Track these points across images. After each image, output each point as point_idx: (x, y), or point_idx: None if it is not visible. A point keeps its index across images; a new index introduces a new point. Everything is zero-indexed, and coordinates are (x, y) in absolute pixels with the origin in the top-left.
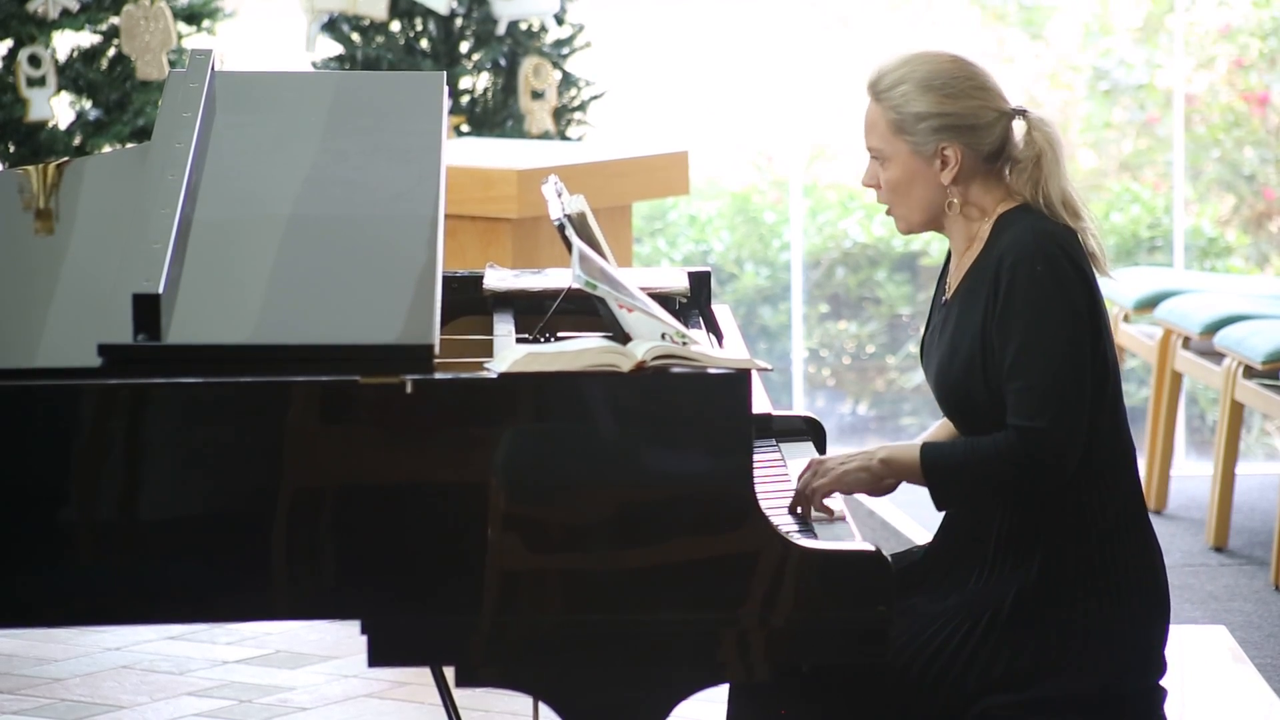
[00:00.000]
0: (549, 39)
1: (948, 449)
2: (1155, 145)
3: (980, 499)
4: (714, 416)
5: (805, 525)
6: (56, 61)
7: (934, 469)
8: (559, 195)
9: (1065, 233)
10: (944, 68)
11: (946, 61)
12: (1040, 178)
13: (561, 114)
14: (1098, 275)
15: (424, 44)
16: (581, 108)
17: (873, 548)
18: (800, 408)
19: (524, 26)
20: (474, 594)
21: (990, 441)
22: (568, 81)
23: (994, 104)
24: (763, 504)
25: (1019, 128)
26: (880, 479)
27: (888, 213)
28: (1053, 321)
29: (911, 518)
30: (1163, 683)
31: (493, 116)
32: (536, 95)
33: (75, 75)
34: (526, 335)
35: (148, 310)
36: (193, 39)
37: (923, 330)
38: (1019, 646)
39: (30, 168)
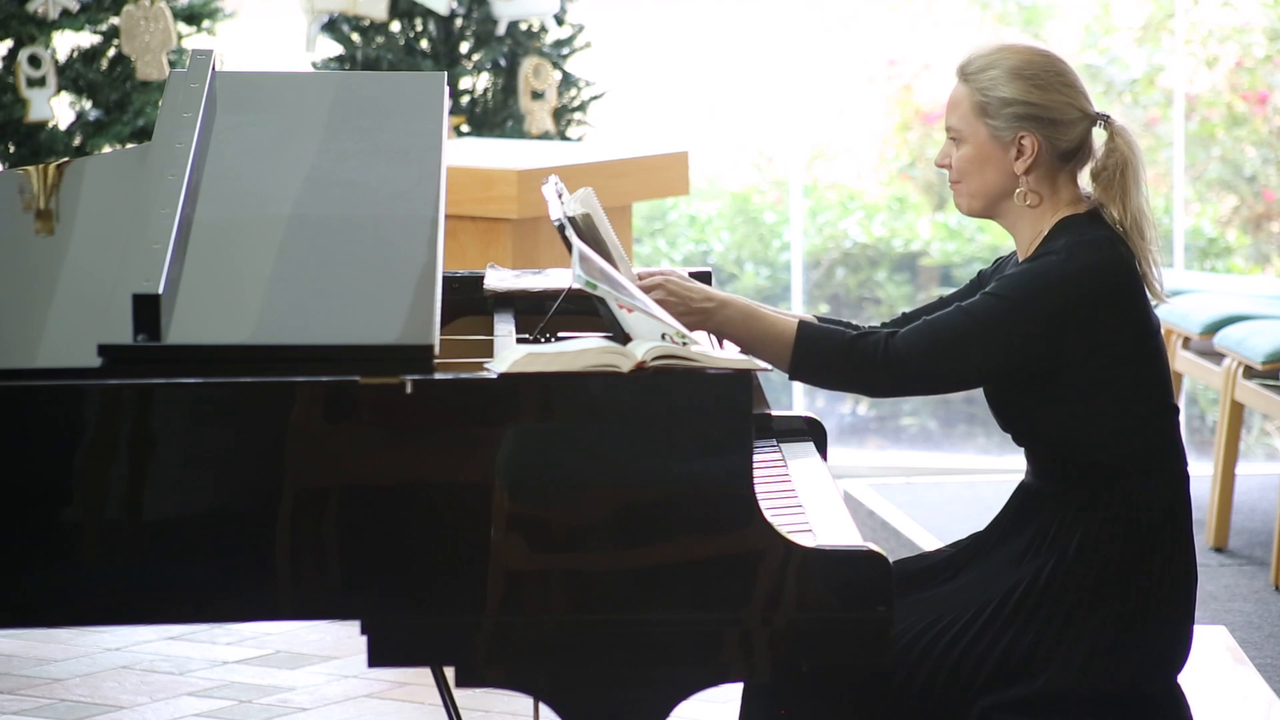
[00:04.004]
0: (549, 39)
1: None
2: (1155, 145)
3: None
4: (714, 416)
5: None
6: (56, 61)
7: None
8: (559, 196)
9: (1117, 261)
10: (1034, 59)
11: (1038, 54)
12: (1126, 188)
13: (561, 114)
14: (1152, 299)
15: (424, 44)
16: (581, 108)
17: (873, 548)
18: (800, 408)
19: (524, 27)
20: (474, 594)
21: (842, 330)
22: (568, 82)
23: (1078, 103)
24: (763, 504)
25: (1099, 135)
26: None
27: (953, 185)
28: (1005, 305)
29: (911, 518)
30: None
31: (493, 116)
32: (536, 95)
33: (75, 75)
34: (527, 335)
35: (148, 310)
36: (193, 39)
37: None
38: (1044, 630)
39: (30, 168)
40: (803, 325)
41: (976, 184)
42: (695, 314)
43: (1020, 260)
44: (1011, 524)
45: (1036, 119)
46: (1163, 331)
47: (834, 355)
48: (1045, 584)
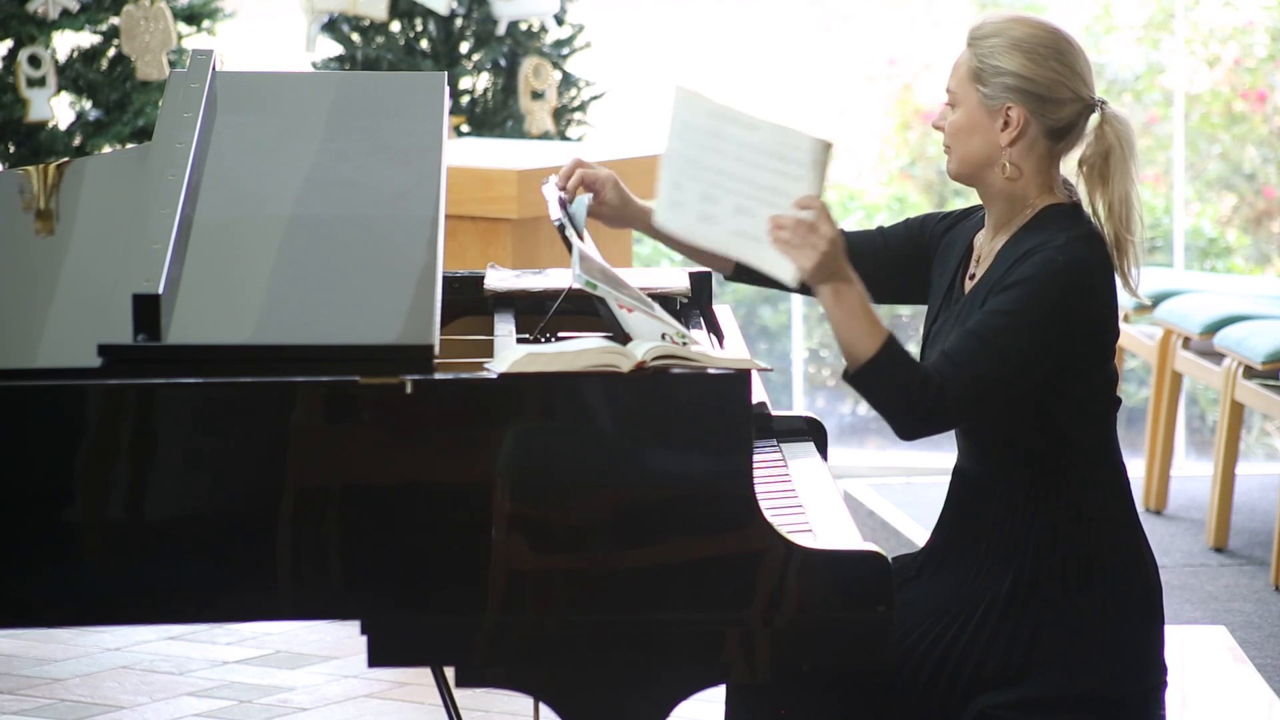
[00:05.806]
0: (549, 39)
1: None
2: (1155, 144)
3: (870, 391)
4: (714, 416)
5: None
6: (56, 61)
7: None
8: (560, 200)
9: (1104, 258)
10: (1038, 34)
11: (1044, 30)
12: (1108, 176)
13: (561, 114)
14: (1125, 293)
15: (424, 44)
16: (581, 108)
17: (874, 548)
18: (800, 408)
19: (524, 27)
20: (474, 594)
21: (916, 366)
22: (568, 82)
23: (1072, 84)
24: (763, 504)
25: (1093, 120)
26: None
27: (945, 149)
28: (1025, 324)
29: (911, 518)
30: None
31: (493, 116)
32: (536, 95)
33: (75, 75)
34: (527, 335)
35: (148, 310)
36: (193, 39)
37: (934, 309)
38: (1013, 640)
39: (30, 168)
40: (891, 340)
41: (963, 150)
42: (840, 273)
43: (992, 237)
44: (957, 520)
45: (1025, 92)
46: (1161, 332)
47: (899, 384)
48: (1006, 599)
